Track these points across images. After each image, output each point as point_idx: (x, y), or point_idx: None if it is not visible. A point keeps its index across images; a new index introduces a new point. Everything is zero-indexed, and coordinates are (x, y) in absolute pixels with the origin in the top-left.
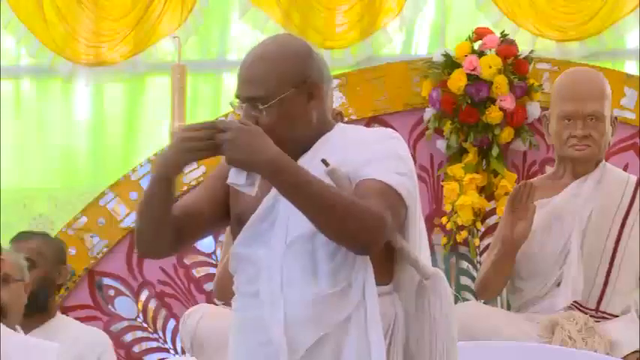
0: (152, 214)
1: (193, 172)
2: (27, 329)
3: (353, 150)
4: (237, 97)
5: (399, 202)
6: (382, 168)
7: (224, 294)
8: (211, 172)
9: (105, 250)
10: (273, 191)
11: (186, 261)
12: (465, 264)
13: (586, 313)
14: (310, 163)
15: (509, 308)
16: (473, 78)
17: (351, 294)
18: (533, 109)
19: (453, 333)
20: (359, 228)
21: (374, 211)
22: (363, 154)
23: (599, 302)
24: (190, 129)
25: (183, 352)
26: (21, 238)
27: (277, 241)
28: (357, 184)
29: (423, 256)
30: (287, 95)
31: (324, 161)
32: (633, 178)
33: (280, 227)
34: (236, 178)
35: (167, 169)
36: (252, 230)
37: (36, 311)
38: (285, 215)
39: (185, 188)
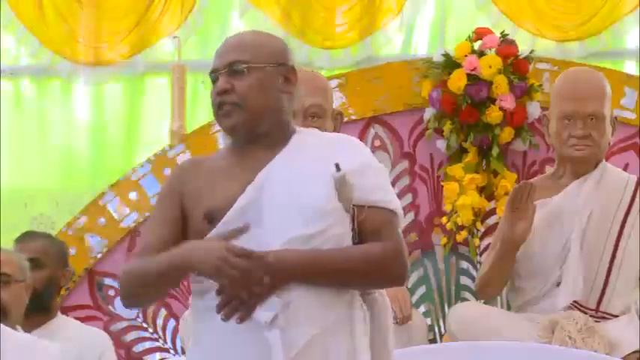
0: (154, 292)
1: None
2: (28, 330)
3: (349, 159)
4: (215, 71)
5: (399, 222)
6: (384, 194)
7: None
8: (161, 199)
9: (105, 250)
10: (250, 188)
11: None
12: (465, 264)
13: (586, 313)
14: (292, 158)
15: (509, 308)
16: (473, 78)
17: (342, 295)
18: (533, 109)
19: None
20: (385, 273)
21: (389, 250)
22: (367, 173)
23: (599, 302)
24: (235, 262)
25: (183, 352)
26: (25, 238)
27: (271, 241)
28: (367, 210)
29: None
30: (268, 67)
31: (337, 165)
32: (633, 178)
33: (271, 227)
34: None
35: (192, 268)
36: (230, 227)
37: (38, 312)
38: (274, 215)
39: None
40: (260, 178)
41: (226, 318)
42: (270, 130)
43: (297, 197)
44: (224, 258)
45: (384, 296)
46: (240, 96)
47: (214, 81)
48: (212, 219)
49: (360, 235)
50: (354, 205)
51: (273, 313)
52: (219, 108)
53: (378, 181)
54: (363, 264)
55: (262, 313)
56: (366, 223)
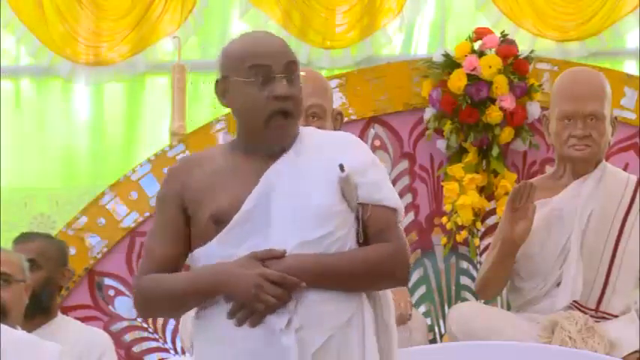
0: (178, 310)
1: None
2: (28, 330)
3: (351, 158)
4: (263, 67)
5: (401, 219)
6: (386, 192)
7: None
8: (162, 204)
9: (105, 250)
10: (257, 191)
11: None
12: (465, 264)
13: (586, 313)
14: (295, 159)
15: (509, 308)
16: (473, 78)
17: (352, 296)
18: (533, 109)
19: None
20: (392, 275)
21: (397, 251)
22: (369, 171)
23: (599, 302)
24: (271, 290)
25: (183, 352)
26: (24, 239)
27: (283, 244)
28: (372, 209)
29: None
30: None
31: (341, 166)
32: (633, 178)
33: (282, 229)
34: None
35: (224, 293)
36: (238, 231)
37: (38, 313)
38: (283, 217)
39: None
40: (266, 181)
41: (239, 324)
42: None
43: (305, 199)
44: (260, 286)
45: (387, 295)
46: (296, 105)
47: (263, 79)
48: (219, 221)
49: (365, 234)
50: (358, 203)
51: (287, 317)
52: (271, 115)
53: (379, 179)
54: (374, 267)
55: (276, 318)
56: (371, 221)
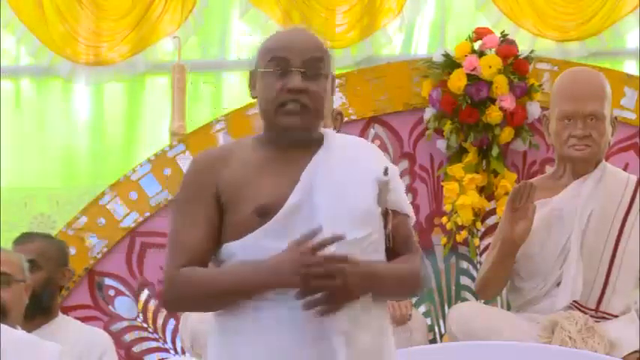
0: (222, 305)
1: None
2: (28, 330)
3: (379, 162)
4: (285, 62)
5: None
6: (406, 199)
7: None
8: (192, 195)
9: (105, 250)
10: (299, 187)
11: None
12: (465, 264)
13: (586, 313)
14: (330, 159)
15: (509, 308)
16: (473, 78)
17: (382, 302)
18: (533, 109)
19: None
20: (419, 285)
21: (419, 261)
22: (395, 178)
23: (598, 302)
24: (312, 261)
25: (183, 352)
26: (24, 239)
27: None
28: (397, 216)
29: None
30: (329, 75)
31: (385, 170)
32: (633, 178)
33: (324, 228)
34: None
35: (277, 281)
36: (284, 225)
37: (38, 313)
38: (326, 216)
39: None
40: (307, 178)
41: (306, 308)
42: (314, 132)
43: (347, 199)
44: (306, 263)
45: None
46: (312, 100)
47: (281, 71)
48: (264, 214)
49: (391, 241)
50: (389, 209)
51: (340, 320)
52: (283, 104)
53: (402, 186)
54: (408, 276)
55: (330, 321)
56: (399, 229)
